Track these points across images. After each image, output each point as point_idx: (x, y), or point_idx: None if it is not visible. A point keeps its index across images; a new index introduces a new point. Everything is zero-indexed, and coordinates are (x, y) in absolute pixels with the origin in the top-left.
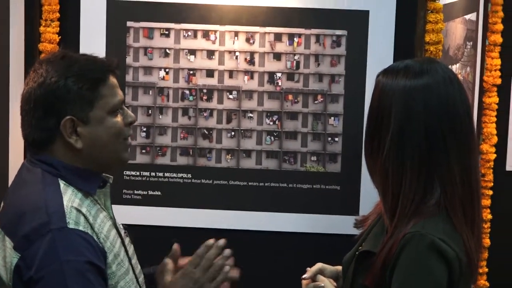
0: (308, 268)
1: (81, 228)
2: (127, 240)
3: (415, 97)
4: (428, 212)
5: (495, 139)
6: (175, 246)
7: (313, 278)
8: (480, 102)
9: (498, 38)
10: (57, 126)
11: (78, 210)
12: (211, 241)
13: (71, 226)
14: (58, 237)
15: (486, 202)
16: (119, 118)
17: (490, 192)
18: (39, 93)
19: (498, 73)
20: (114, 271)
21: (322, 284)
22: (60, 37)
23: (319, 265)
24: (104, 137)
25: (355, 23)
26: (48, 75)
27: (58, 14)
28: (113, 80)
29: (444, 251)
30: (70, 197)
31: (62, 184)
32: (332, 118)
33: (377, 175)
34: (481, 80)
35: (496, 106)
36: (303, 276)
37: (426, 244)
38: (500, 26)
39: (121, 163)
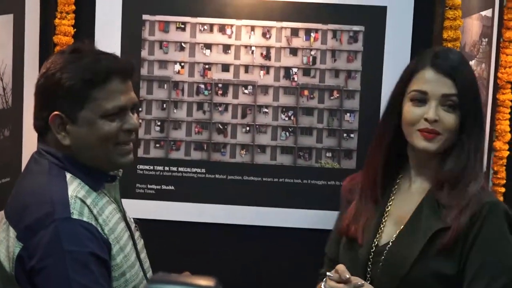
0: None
1: (85, 218)
2: (137, 234)
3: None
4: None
5: (508, 136)
6: None
7: (341, 278)
8: (494, 99)
9: None
10: (48, 119)
11: (83, 201)
12: None
13: (75, 216)
14: (62, 227)
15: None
16: (113, 123)
17: (503, 190)
18: (40, 83)
19: None
20: (118, 263)
21: (360, 283)
22: (75, 29)
23: (342, 266)
24: (89, 140)
25: (373, 19)
26: (50, 67)
27: (73, 7)
28: (116, 84)
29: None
30: (75, 188)
31: (68, 176)
32: (348, 114)
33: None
34: (495, 77)
35: (510, 103)
36: (329, 274)
37: (504, 212)
38: None
39: (116, 167)
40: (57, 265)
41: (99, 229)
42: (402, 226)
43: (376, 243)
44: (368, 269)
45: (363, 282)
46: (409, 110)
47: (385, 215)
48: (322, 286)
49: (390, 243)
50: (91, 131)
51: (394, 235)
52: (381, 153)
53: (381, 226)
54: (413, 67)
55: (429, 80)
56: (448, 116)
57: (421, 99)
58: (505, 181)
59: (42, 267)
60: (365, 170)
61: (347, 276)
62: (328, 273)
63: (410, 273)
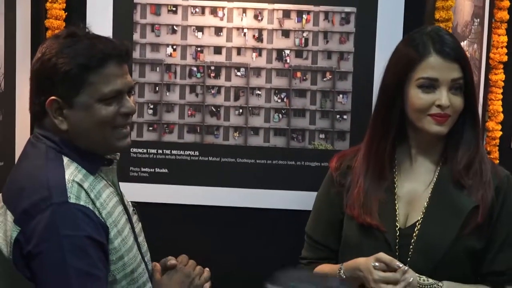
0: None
1: (82, 202)
2: (135, 218)
3: None
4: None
5: (501, 117)
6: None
7: (391, 266)
8: (486, 79)
9: (505, 15)
10: (44, 104)
11: (80, 185)
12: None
13: (72, 200)
14: (59, 212)
15: None
16: (110, 107)
17: None
18: (35, 68)
19: (505, 50)
20: (116, 246)
21: (406, 268)
22: (66, 13)
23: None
24: (87, 124)
25: (365, 0)
26: (46, 51)
27: None
28: (112, 68)
29: None
30: (72, 171)
31: (65, 160)
32: (341, 95)
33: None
34: (487, 57)
35: (502, 84)
36: (374, 264)
37: None
38: (507, 3)
39: (114, 150)
40: (53, 250)
41: (97, 212)
42: (425, 208)
43: (398, 226)
44: (396, 253)
45: (407, 267)
46: (419, 97)
47: (396, 196)
48: (342, 273)
49: (418, 225)
50: (89, 115)
51: (419, 217)
52: (388, 139)
53: (396, 208)
54: (413, 54)
55: (437, 67)
56: (456, 98)
57: (430, 85)
58: (498, 161)
59: (39, 252)
60: (368, 153)
61: (399, 264)
62: (372, 263)
63: (448, 253)
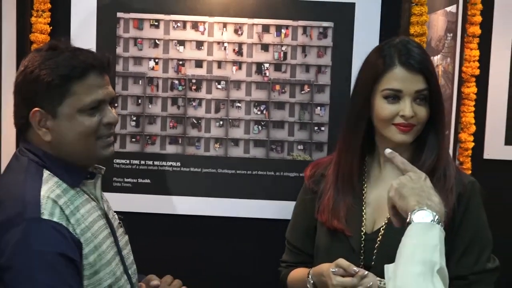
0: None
1: (55, 219)
2: (120, 231)
3: None
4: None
5: (473, 128)
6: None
7: (349, 271)
8: (459, 92)
9: (476, 30)
10: (28, 116)
11: (55, 201)
12: None
13: (45, 217)
14: (31, 227)
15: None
16: (94, 117)
17: None
18: (18, 81)
19: (477, 64)
20: (91, 261)
21: (365, 273)
22: (51, 27)
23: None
24: (70, 134)
25: (342, 15)
26: (28, 64)
27: (49, 5)
28: (94, 78)
29: None
30: (50, 187)
31: (46, 174)
32: (319, 108)
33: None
34: (460, 71)
35: (474, 96)
36: (332, 270)
37: (479, 188)
38: (479, 18)
39: (98, 160)
40: (24, 265)
41: (71, 229)
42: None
43: (364, 231)
44: (361, 258)
45: (366, 272)
46: (384, 107)
47: (363, 202)
48: (310, 279)
49: (382, 230)
50: (72, 126)
51: (384, 222)
52: (357, 147)
53: (363, 213)
54: (379, 65)
55: (401, 79)
56: (421, 109)
57: (395, 96)
58: (470, 172)
59: (10, 266)
60: (338, 161)
61: (355, 269)
62: (331, 269)
63: None
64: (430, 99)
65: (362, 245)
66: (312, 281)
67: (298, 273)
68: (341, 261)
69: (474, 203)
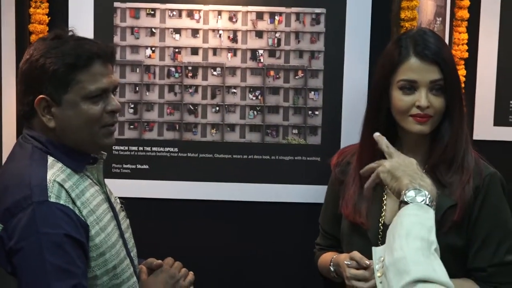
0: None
1: (62, 202)
2: (122, 215)
3: None
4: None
5: None
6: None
7: (360, 264)
8: None
9: (465, 14)
10: (33, 103)
11: (60, 185)
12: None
13: (52, 199)
14: (39, 210)
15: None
16: (97, 105)
17: None
18: (23, 69)
19: (465, 47)
20: (97, 243)
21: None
22: (49, 18)
23: (357, 253)
24: (74, 122)
25: (334, 1)
26: (34, 53)
27: None
28: (98, 67)
29: None
30: (55, 172)
31: (50, 160)
32: (312, 92)
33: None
34: None
35: (463, 79)
36: (347, 262)
37: (500, 180)
38: (467, 2)
39: (100, 148)
40: (32, 247)
41: (77, 211)
42: None
43: (382, 222)
44: None
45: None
46: (400, 98)
47: (385, 195)
48: (331, 267)
49: None
50: (76, 113)
51: None
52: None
53: (383, 205)
54: (396, 56)
55: (416, 69)
56: (437, 99)
57: (410, 87)
58: None
59: (19, 248)
60: (360, 153)
61: (367, 262)
62: (345, 262)
63: None
64: (446, 89)
65: (380, 237)
66: (333, 269)
67: (325, 258)
68: (355, 254)
69: (492, 195)
